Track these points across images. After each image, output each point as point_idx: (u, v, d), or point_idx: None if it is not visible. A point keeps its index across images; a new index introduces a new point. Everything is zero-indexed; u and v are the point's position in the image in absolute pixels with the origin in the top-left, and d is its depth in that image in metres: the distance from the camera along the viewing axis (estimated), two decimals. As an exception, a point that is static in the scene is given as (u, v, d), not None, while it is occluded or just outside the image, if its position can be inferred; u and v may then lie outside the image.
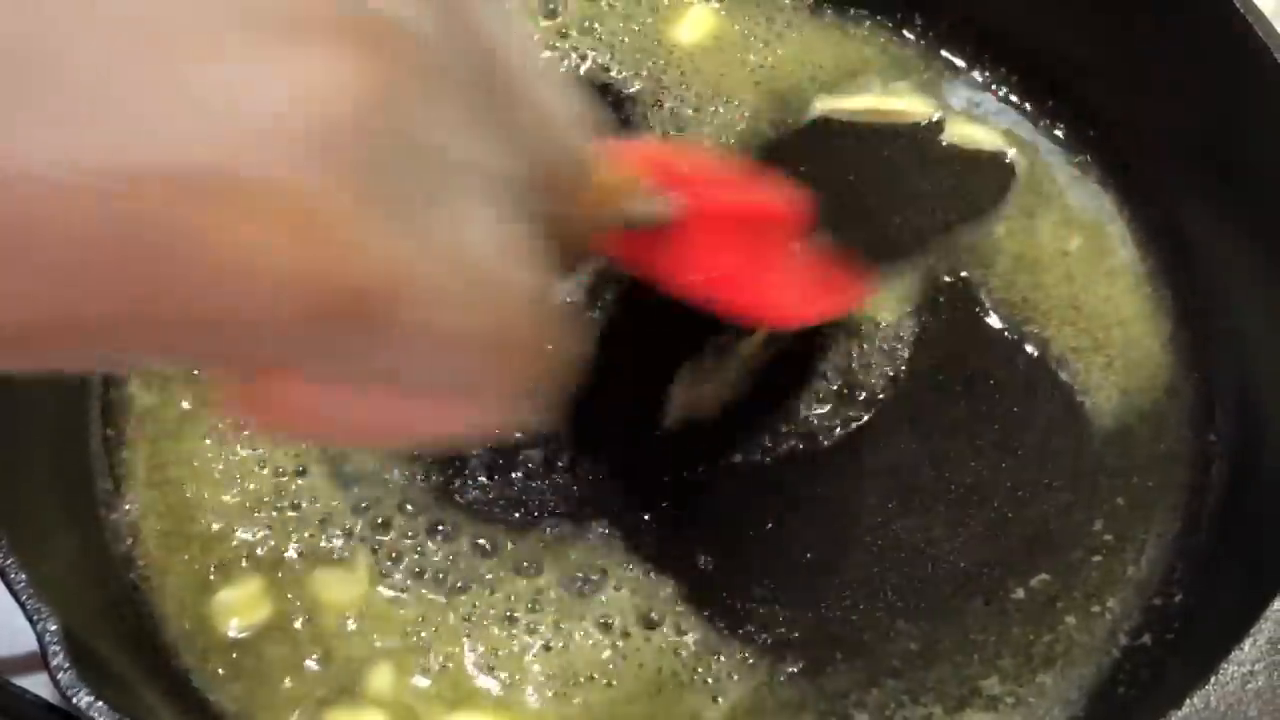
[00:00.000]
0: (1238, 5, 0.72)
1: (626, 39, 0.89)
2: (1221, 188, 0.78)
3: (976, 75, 0.89)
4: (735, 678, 0.70)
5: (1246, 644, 0.59)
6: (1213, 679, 0.58)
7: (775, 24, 0.90)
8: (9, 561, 0.59)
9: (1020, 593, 0.72)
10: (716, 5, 0.90)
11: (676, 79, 0.87)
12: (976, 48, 0.89)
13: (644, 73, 0.87)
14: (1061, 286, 0.81)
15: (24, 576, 0.59)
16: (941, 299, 0.80)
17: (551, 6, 0.89)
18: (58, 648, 0.57)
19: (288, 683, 0.69)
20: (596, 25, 0.89)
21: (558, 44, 0.88)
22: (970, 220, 0.82)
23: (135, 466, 0.75)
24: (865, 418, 0.76)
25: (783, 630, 0.71)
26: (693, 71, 0.88)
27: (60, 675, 0.57)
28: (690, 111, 0.86)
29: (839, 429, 0.76)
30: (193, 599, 0.71)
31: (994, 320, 0.79)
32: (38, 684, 0.62)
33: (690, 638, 0.70)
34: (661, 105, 0.86)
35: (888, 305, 0.79)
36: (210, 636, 0.70)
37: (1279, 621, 0.59)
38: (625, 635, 0.70)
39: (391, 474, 0.74)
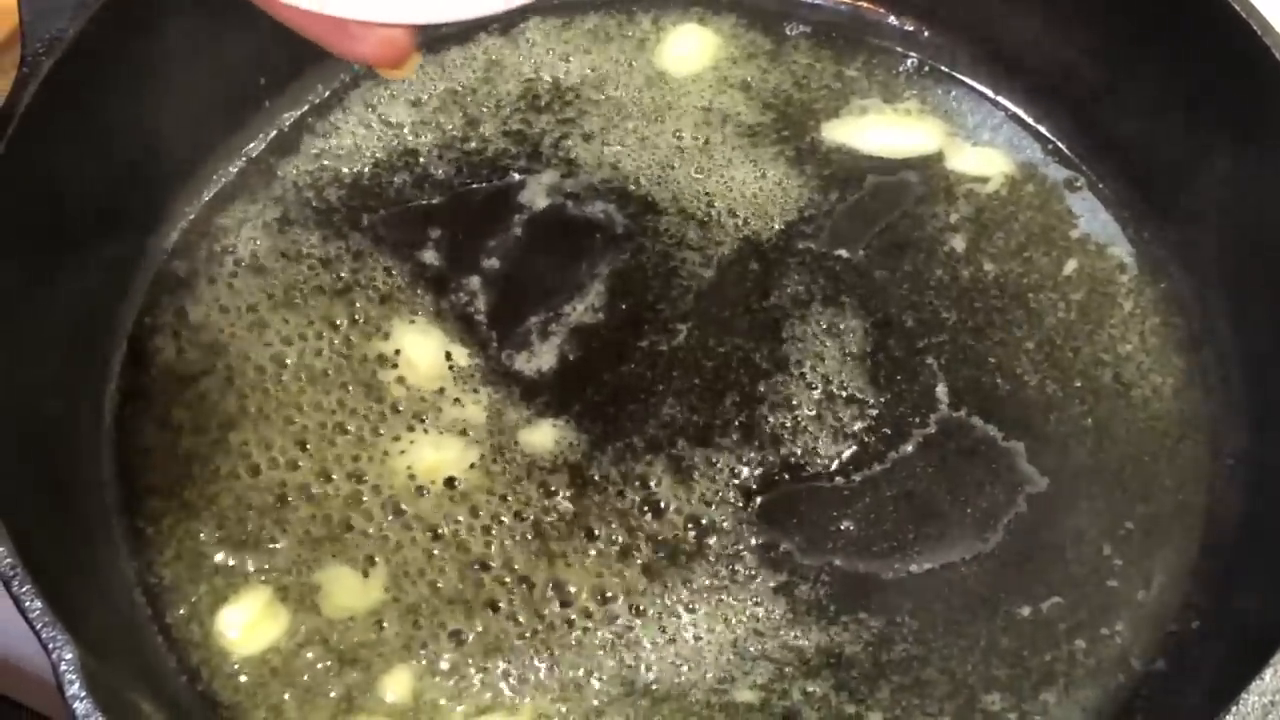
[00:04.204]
0: (1256, 29, 0.73)
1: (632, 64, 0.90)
2: (1240, 208, 0.78)
3: (982, 93, 0.89)
4: (753, 675, 0.70)
5: (1267, 674, 0.59)
6: (1233, 709, 0.58)
7: (780, 47, 0.90)
8: (24, 589, 0.59)
9: (1027, 611, 0.72)
10: (717, 29, 0.91)
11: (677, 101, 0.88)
12: (985, 66, 0.89)
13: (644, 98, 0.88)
14: (1059, 311, 0.81)
15: (39, 605, 0.58)
16: (942, 322, 0.81)
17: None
18: (74, 676, 0.56)
19: (303, 695, 0.69)
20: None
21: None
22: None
23: (148, 488, 0.74)
24: (889, 452, 0.76)
25: (800, 635, 0.71)
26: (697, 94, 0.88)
27: (76, 705, 0.56)
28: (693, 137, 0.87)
29: (864, 464, 0.76)
30: (204, 616, 0.71)
31: (1001, 349, 0.80)
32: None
33: (716, 630, 0.71)
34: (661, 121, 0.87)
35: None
36: (222, 652, 0.70)
37: (1301, 650, 0.59)
38: (634, 642, 0.70)
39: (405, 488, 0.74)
